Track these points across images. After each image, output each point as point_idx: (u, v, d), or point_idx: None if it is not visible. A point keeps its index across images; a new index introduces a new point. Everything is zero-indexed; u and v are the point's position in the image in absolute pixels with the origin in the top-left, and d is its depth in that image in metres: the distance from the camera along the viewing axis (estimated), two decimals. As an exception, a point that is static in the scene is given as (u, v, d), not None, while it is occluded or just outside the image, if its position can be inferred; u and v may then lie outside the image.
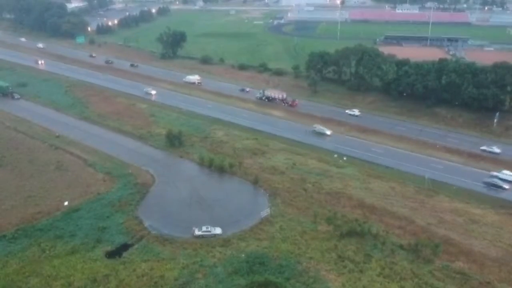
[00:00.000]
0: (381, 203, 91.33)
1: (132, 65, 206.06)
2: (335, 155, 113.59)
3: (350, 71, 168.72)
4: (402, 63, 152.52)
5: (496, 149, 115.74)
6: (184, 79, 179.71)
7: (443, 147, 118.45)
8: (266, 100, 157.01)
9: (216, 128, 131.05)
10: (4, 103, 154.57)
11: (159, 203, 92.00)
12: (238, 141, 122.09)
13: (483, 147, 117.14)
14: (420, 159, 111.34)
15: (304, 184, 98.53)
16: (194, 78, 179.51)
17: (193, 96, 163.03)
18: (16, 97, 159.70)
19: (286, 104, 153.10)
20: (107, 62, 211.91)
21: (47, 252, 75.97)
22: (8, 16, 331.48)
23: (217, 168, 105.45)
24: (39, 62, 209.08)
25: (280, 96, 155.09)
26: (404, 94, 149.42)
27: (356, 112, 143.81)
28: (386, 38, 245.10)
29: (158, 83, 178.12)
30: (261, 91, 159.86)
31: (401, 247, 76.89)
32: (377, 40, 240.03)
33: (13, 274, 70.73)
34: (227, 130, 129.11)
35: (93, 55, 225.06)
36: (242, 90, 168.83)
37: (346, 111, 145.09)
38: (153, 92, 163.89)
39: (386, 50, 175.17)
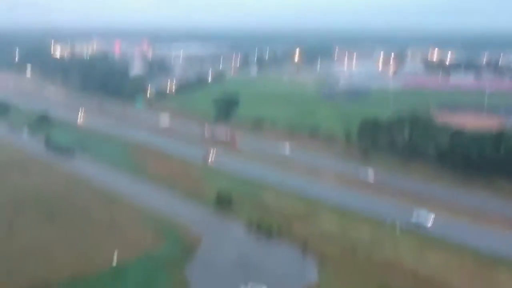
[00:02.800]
0: (436, 275, 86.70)
1: None
2: (388, 223, 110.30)
3: (403, 139, 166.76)
4: (457, 133, 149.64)
5: None
6: None
7: (503, 219, 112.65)
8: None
9: (265, 191, 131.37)
10: (64, 161, 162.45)
11: (206, 265, 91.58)
12: (288, 205, 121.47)
13: None
14: (477, 231, 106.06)
15: (355, 251, 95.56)
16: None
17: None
18: (75, 155, 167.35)
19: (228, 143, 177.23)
20: None
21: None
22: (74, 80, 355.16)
23: (265, 232, 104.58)
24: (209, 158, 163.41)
25: (222, 137, 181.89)
26: (459, 164, 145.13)
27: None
28: (440, 106, 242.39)
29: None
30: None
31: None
32: (431, 108, 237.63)
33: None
34: (277, 195, 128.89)
35: None
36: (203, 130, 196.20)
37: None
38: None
39: (440, 118, 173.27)
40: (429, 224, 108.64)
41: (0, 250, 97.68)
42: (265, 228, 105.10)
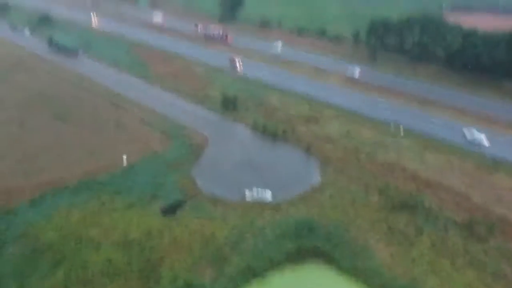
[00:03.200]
0: (437, 177, 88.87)
1: None
2: (391, 125, 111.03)
3: (412, 40, 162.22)
4: (469, 33, 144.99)
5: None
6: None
7: (507, 122, 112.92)
8: (209, 37, 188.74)
9: (271, 94, 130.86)
10: (69, 61, 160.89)
11: (212, 164, 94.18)
12: (292, 107, 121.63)
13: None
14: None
15: (358, 153, 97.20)
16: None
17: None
18: (80, 55, 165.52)
19: (221, 39, 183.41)
20: None
21: (106, 205, 79.97)
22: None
23: (270, 133, 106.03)
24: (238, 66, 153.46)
25: (216, 32, 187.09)
26: (469, 67, 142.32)
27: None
28: (452, 6, 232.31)
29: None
30: (200, 25, 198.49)
31: (455, 223, 75.05)
32: (444, 6, 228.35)
33: (75, 224, 75.28)
34: (281, 97, 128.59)
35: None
36: (196, 25, 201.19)
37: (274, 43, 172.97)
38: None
39: (452, 17, 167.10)
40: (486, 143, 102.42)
41: (14, 149, 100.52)
42: (270, 130, 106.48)
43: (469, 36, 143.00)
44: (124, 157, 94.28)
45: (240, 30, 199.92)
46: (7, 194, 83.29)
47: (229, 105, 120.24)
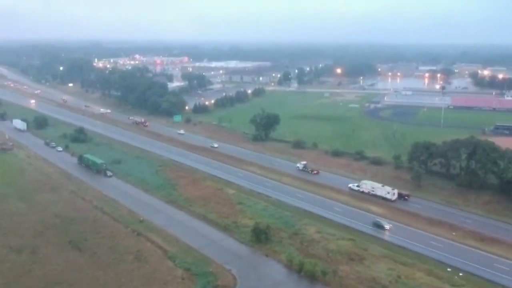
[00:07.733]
0: None
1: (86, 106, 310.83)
2: (449, 269, 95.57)
3: (460, 165, 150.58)
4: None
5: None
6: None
7: None
8: (136, 123, 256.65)
9: (307, 223, 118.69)
10: (96, 180, 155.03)
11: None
12: (332, 241, 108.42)
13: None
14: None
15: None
16: (106, 111, 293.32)
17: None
18: (108, 174, 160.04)
19: (142, 125, 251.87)
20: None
21: None
22: (115, 93, 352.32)
23: (307, 273, 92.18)
24: None
25: (139, 120, 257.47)
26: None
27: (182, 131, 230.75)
28: (497, 127, 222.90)
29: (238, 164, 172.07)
30: (132, 117, 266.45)
31: None
32: (486, 129, 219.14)
33: None
34: (319, 227, 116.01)
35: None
36: (129, 118, 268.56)
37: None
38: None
39: (497, 141, 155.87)
40: None
41: (19, 283, 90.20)
42: (307, 269, 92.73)
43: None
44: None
45: (274, 151, 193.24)
46: None
47: (260, 236, 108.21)
